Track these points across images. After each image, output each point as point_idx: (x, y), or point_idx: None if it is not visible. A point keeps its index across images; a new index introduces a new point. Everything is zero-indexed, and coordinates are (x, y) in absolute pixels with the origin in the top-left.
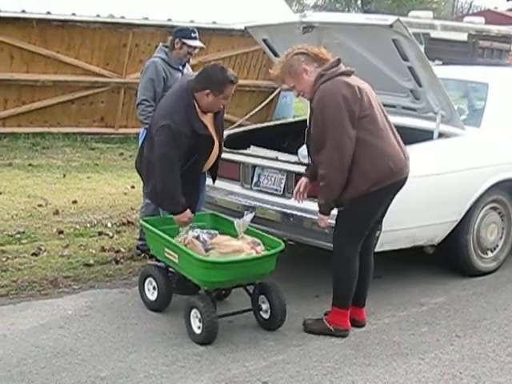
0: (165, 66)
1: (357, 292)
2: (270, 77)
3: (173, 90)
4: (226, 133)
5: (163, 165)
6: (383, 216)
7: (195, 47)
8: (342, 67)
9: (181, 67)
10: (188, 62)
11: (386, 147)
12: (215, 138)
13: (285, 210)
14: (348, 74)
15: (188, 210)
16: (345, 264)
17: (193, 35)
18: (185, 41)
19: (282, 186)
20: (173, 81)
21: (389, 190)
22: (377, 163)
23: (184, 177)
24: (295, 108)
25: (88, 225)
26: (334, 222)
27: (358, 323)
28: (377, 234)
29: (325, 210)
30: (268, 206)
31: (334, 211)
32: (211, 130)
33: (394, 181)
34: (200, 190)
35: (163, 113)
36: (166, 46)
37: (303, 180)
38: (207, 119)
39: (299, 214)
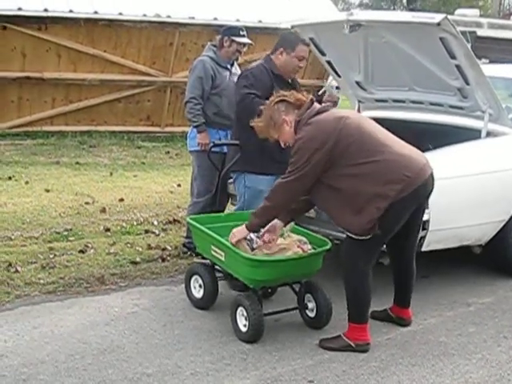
0: (213, 65)
1: (400, 295)
2: (256, 130)
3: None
4: None
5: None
6: (419, 222)
7: (244, 44)
8: (316, 107)
9: (229, 66)
10: (237, 60)
11: (391, 158)
12: None
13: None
14: (323, 111)
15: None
16: (358, 279)
17: (241, 33)
18: (234, 38)
19: None
20: (221, 79)
21: (412, 199)
22: (387, 178)
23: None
24: (340, 106)
25: (134, 223)
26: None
27: (404, 321)
28: (419, 238)
29: (253, 228)
30: None
31: None
32: None
33: (413, 187)
34: None
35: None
36: (215, 45)
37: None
38: None
39: None
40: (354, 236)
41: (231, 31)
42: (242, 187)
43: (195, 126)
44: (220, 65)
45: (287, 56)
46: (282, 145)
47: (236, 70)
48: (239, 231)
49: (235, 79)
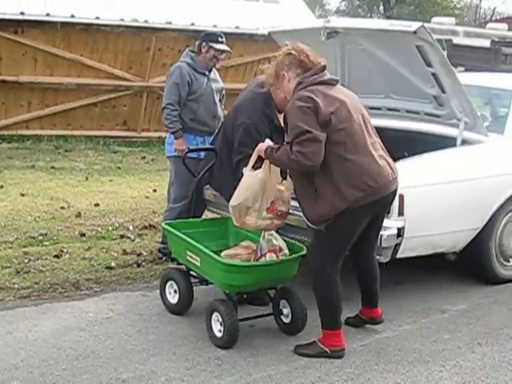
0: (190, 71)
1: (367, 297)
2: (265, 74)
3: (245, 95)
4: None
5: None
6: (379, 227)
7: (222, 51)
8: (325, 75)
9: (207, 72)
10: (214, 66)
11: (364, 163)
12: None
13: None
14: (330, 83)
15: None
16: (326, 285)
17: (220, 39)
18: (212, 44)
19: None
20: (198, 85)
21: (369, 208)
22: (353, 180)
23: None
24: None
25: (110, 228)
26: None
27: (375, 320)
28: (394, 245)
29: (268, 156)
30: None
31: None
32: None
33: (374, 199)
34: None
35: (243, 112)
36: (192, 51)
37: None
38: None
39: None
40: (308, 223)
41: (210, 37)
42: None
43: (172, 133)
44: (197, 71)
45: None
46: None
47: (214, 75)
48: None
49: (213, 85)
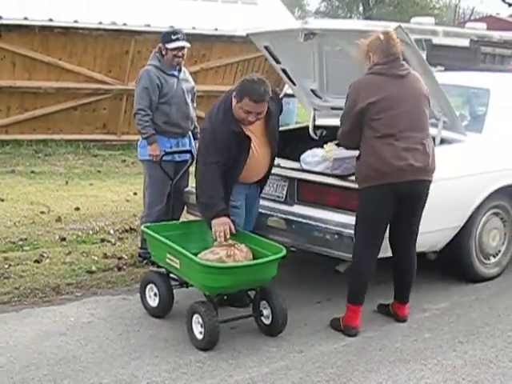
0: (158, 73)
1: (397, 287)
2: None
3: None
4: None
5: (204, 168)
6: (412, 218)
7: (177, 48)
8: (393, 68)
9: (176, 72)
10: (180, 65)
11: (383, 150)
12: (256, 142)
13: (287, 217)
14: (392, 76)
15: (227, 218)
16: (355, 262)
17: (173, 37)
18: (167, 46)
19: (284, 192)
20: (168, 88)
21: (385, 191)
22: (369, 161)
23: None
24: (298, 114)
25: (90, 232)
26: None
27: (397, 317)
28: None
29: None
30: (270, 213)
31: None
32: (254, 137)
33: (384, 182)
34: (249, 204)
35: (207, 118)
36: (159, 53)
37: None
38: (254, 128)
39: (301, 220)
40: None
41: (164, 38)
42: None
43: (145, 138)
44: (166, 72)
45: (235, 104)
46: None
47: (184, 75)
48: None
49: (184, 86)
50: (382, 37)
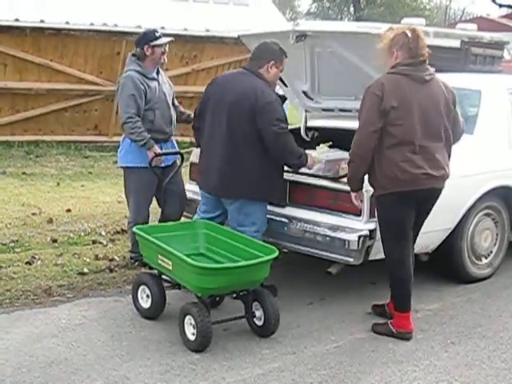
0: (141, 79)
1: None
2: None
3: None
4: None
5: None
6: (420, 222)
7: (166, 44)
8: (418, 70)
9: (155, 75)
10: (162, 65)
11: (401, 158)
12: None
13: (279, 219)
14: (415, 79)
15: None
16: (391, 269)
17: (157, 34)
18: (154, 43)
19: None
20: (151, 93)
21: (405, 195)
22: (384, 169)
23: None
24: (289, 116)
25: (82, 233)
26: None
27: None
28: (366, 246)
29: (352, 186)
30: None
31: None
32: None
33: (404, 189)
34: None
35: (259, 96)
36: (135, 56)
37: None
38: None
39: (294, 222)
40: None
41: (148, 37)
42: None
43: (143, 144)
44: (147, 77)
45: (276, 70)
46: None
47: (162, 78)
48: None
49: (164, 89)
50: (409, 34)
